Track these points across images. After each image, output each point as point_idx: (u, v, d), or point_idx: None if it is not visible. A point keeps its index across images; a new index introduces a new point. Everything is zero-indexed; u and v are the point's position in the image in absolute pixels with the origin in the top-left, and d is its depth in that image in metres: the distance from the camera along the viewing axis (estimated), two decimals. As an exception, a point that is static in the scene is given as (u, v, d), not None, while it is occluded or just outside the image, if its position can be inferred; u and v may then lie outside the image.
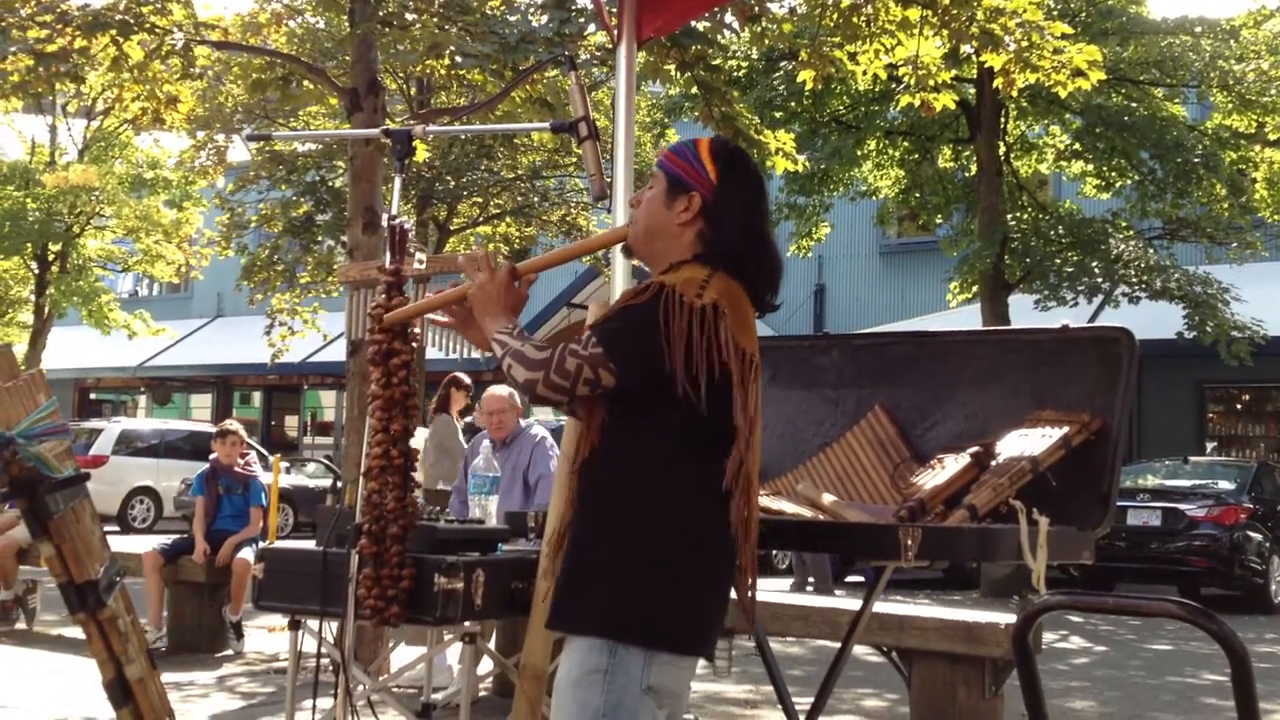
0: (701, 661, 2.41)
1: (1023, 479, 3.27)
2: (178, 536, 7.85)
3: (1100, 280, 13.55)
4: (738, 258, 2.42)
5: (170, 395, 29.59)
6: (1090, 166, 15.22)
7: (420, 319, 3.47)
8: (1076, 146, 15.01)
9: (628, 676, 2.27)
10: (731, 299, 2.35)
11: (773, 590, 7.65)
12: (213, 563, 7.47)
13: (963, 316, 16.45)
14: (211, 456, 8.02)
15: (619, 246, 2.68)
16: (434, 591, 3.52)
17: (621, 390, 2.34)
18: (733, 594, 2.46)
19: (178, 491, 18.02)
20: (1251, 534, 12.02)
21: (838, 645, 3.79)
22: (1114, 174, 15.08)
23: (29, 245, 20.27)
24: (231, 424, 8.25)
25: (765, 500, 3.39)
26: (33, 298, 21.14)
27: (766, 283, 2.47)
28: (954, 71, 9.86)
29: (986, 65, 8.49)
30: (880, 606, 5.32)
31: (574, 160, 14.23)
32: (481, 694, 5.90)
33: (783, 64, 13.81)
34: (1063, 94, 8.55)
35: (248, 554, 7.43)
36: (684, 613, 2.31)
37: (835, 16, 7.68)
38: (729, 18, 7.46)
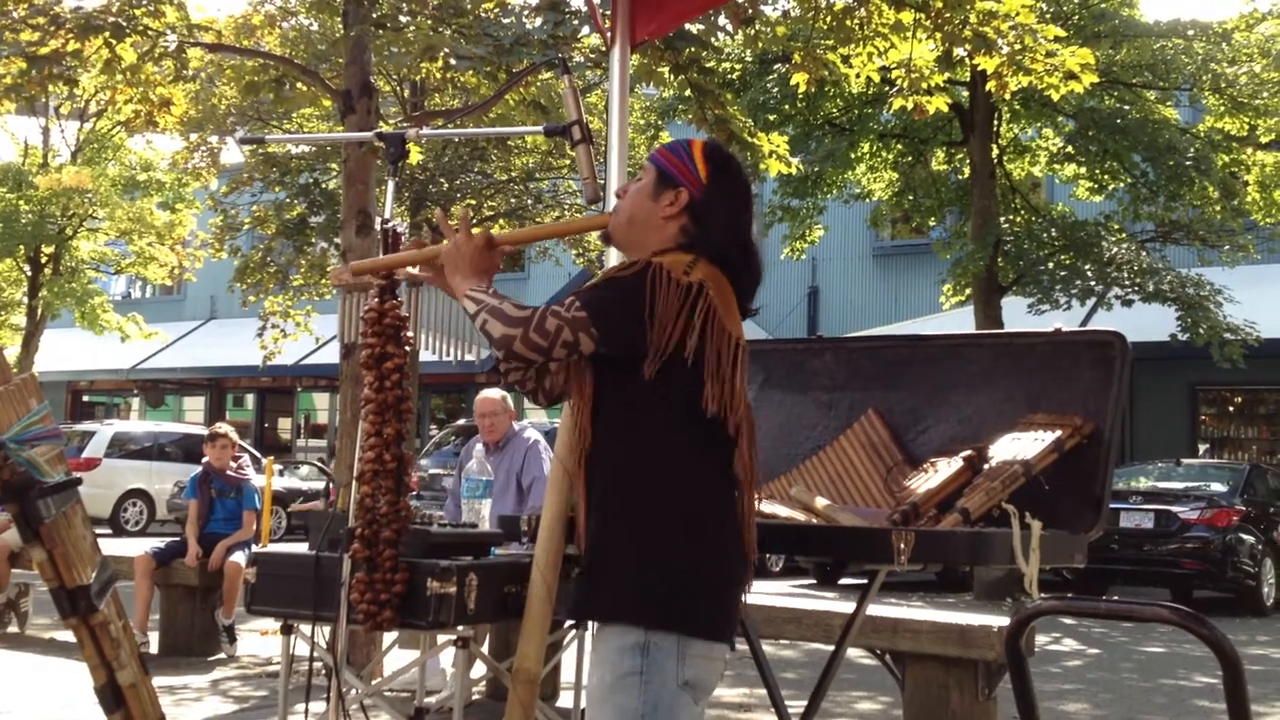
0: None
1: (1015, 482, 3.28)
2: (170, 540, 7.83)
3: (1093, 283, 13.58)
4: (721, 254, 2.43)
5: (163, 398, 29.55)
6: (1083, 169, 15.25)
7: (413, 322, 3.47)
8: (1069, 149, 15.04)
9: (663, 674, 2.25)
10: (716, 283, 2.37)
11: (766, 593, 7.65)
12: (205, 566, 7.46)
13: (956, 319, 16.47)
14: (204, 460, 8.00)
15: (603, 235, 2.67)
16: (427, 595, 3.51)
17: (600, 357, 2.34)
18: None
19: (170, 494, 17.99)
20: (1244, 536, 12.04)
21: (831, 648, 3.80)
22: (1106, 177, 15.11)
23: (22, 247, 20.24)
24: (222, 427, 8.23)
25: (759, 503, 3.40)
26: (25, 300, 21.11)
27: (747, 286, 2.48)
28: (947, 74, 9.87)
29: (979, 68, 8.50)
30: (873, 609, 5.32)
31: (567, 163, 14.23)
32: (475, 698, 5.90)
33: (776, 67, 13.83)
34: (1055, 97, 8.56)
35: (240, 557, 7.41)
36: (709, 598, 2.31)
37: (828, 19, 7.69)
38: (722, 20, 7.46)
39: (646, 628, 2.26)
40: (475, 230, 2.59)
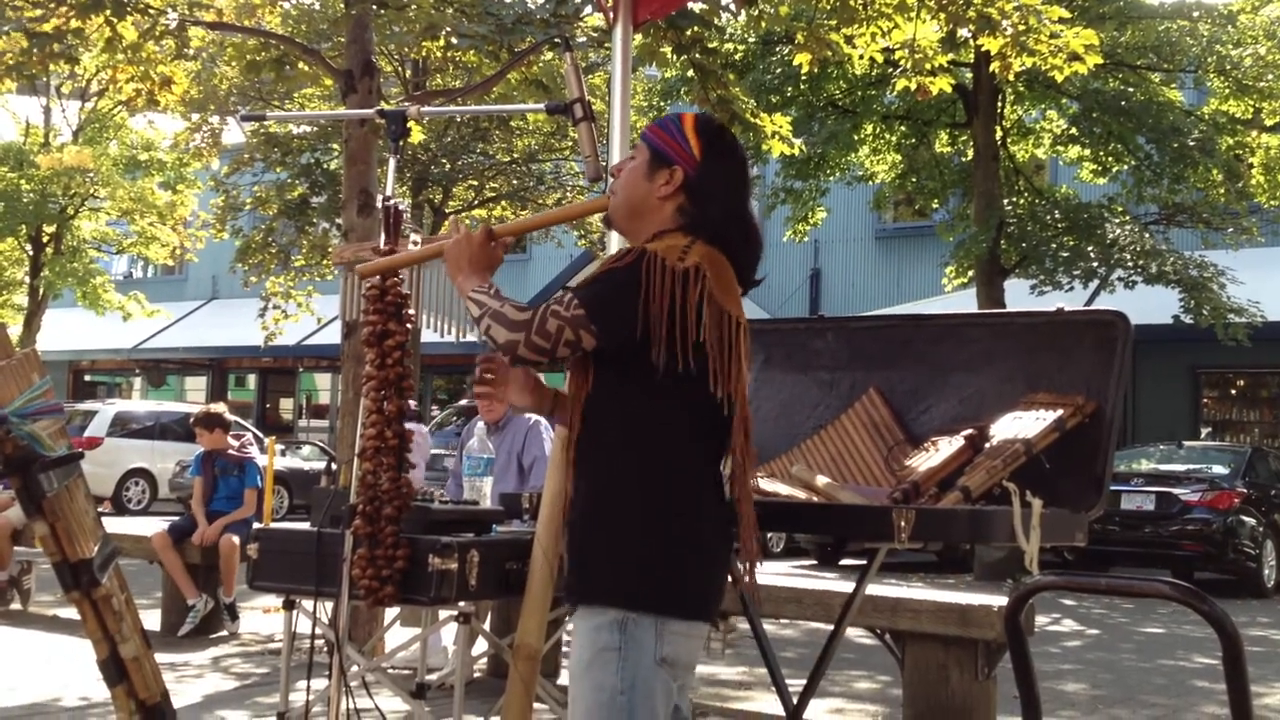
0: None
1: (1016, 461, 3.28)
2: (178, 518, 7.84)
3: (1096, 265, 13.55)
4: (720, 232, 2.42)
5: (165, 377, 29.57)
6: (1087, 151, 15.21)
7: (415, 302, 3.47)
8: (1073, 131, 15.00)
9: (641, 650, 2.27)
10: (713, 264, 2.35)
11: (767, 572, 7.66)
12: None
13: (958, 301, 16.45)
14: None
15: (604, 219, 2.67)
16: (429, 572, 3.51)
17: (602, 352, 2.34)
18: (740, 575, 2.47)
19: (172, 474, 18.03)
20: (1245, 518, 12.06)
21: (831, 627, 3.80)
22: (1110, 159, 15.07)
23: (23, 227, 20.25)
24: (214, 408, 8.12)
25: (760, 482, 3.40)
26: (27, 280, 21.13)
27: (748, 260, 2.48)
28: (951, 55, 9.84)
29: (983, 49, 8.48)
30: (873, 589, 5.33)
31: (570, 143, 14.22)
32: (476, 674, 5.92)
33: (779, 47, 13.78)
34: (1059, 78, 8.53)
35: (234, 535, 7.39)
36: (690, 579, 2.32)
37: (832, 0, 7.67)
38: (725, 0, 7.43)
39: (625, 608, 2.28)
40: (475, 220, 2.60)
